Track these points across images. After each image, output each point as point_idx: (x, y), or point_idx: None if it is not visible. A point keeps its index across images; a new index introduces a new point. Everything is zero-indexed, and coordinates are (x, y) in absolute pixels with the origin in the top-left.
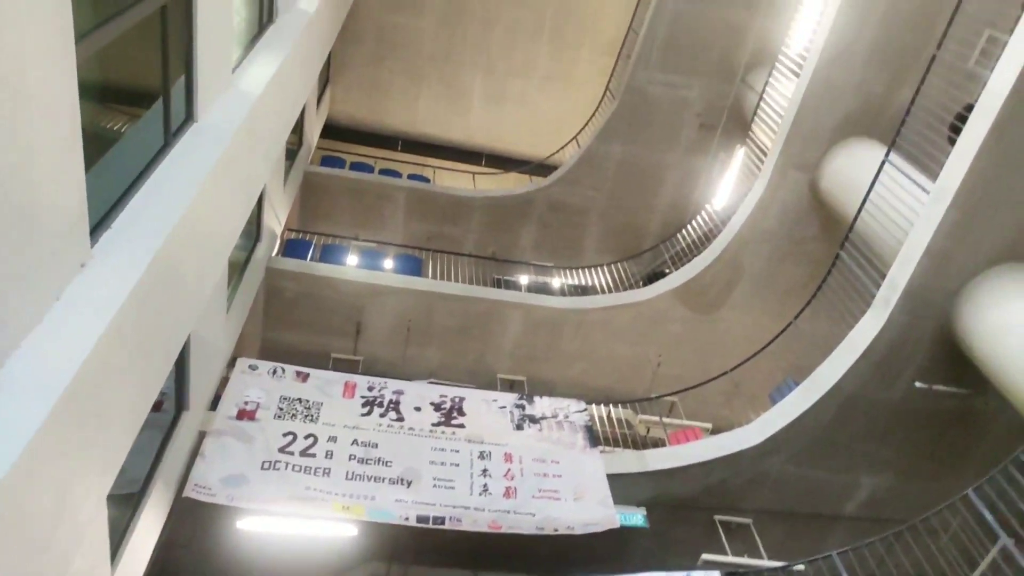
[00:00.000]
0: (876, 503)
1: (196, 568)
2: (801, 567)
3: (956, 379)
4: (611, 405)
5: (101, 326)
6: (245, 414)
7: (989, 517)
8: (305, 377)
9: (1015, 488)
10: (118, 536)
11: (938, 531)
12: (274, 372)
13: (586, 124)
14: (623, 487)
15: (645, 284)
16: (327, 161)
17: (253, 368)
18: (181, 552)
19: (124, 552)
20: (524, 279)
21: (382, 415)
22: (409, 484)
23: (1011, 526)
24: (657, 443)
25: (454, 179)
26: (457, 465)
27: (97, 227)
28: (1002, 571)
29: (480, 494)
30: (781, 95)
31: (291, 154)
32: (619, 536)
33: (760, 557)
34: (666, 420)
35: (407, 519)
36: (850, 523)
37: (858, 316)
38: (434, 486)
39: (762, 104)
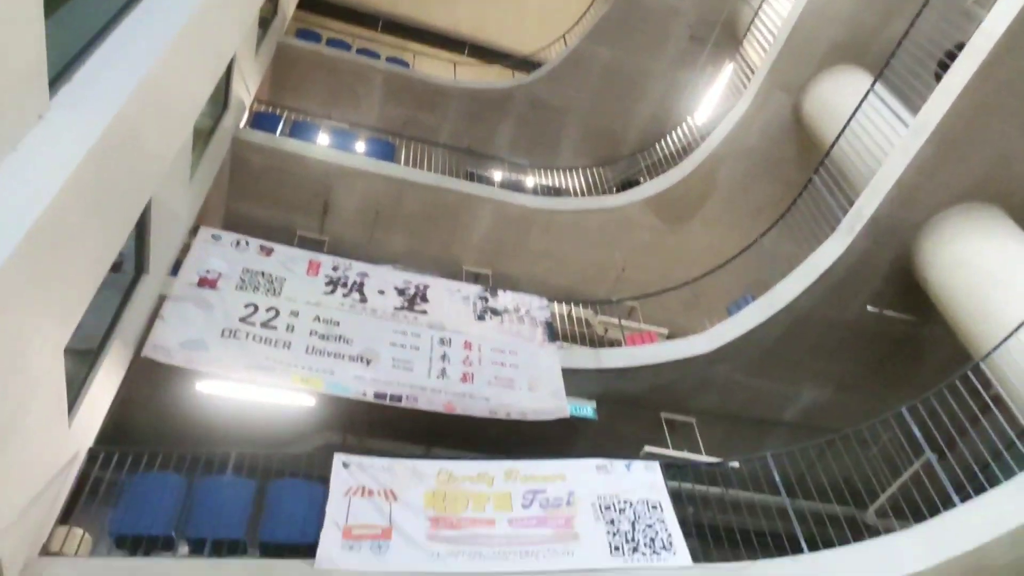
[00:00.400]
0: (814, 412)
1: (154, 426)
2: (736, 464)
3: (907, 307)
4: (572, 304)
5: (59, 179)
6: (206, 282)
7: (918, 433)
8: (269, 252)
9: (945, 410)
10: (75, 389)
11: (869, 442)
12: (237, 244)
13: (576, 23)
14: (576, 381)
15: (618, 191)
16: (302, 34)
17: (216, 238)
18: (139, 410)
19: (81, 405)
20: (498, 175)
21: (345, 295)
22: (368, 363)
23: (937, 444)
24: (613, 343)
25: (434, 66)
26: (417, 348)
27: (56, 79)
28: (922, 483)
29: (438, 377)
30: (776, 14)
31: (264, 23)
32: (568, 425)
33: (699, 453)
34: (624, 322)
35: (365, 394)
36: (787, 428)
37: (822, 240)
38: (393, 366)
39: (756, 21)
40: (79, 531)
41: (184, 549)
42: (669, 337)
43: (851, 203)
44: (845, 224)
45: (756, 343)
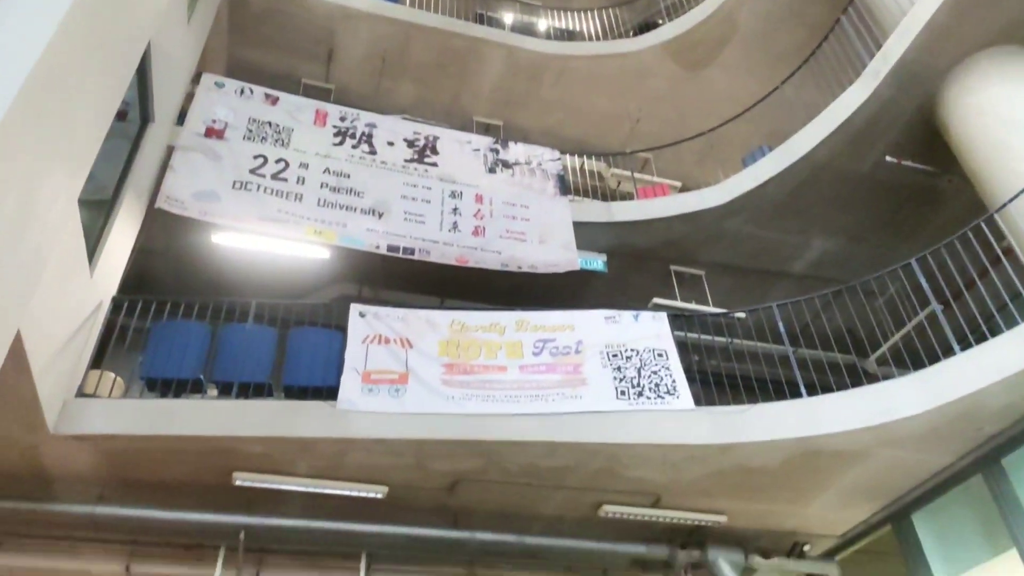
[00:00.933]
0: (823, 264)
1: (174, 276)
2: (742, 315)
3: (926, 158)
4: (585, 157)
5: (53, 21)
6: (213, 132)
7: (925, 285)
8: (274, 100)
9: (955, 262)
10: (94, 240)
11: (875, 293)
12: (241, 92)
13: None
14: (587, 234)
15: (636, 34)
16: None
17: (219, 85)
18: (159, 260)
19: (101, 255)
20: (508, 17)
21: (354, 146)
22: (380, 216)
23: (943, 295)
24: (626, 196)
25: None
26: (428, 202)
27: None
28: (925, 333)
29: (449, 230)
30: None
31: None
32: (579, 277)
33: (707, 305)
34: (637, 175)
35: (378, 247)
36: (795, 280)
37: (845, 86)
38: (405, 219)
39: None
40: (111, 375)
41: (213, 392)
42: (682, 190)
43: (878, 47)
44: (870, 69)
45: (770, 195)
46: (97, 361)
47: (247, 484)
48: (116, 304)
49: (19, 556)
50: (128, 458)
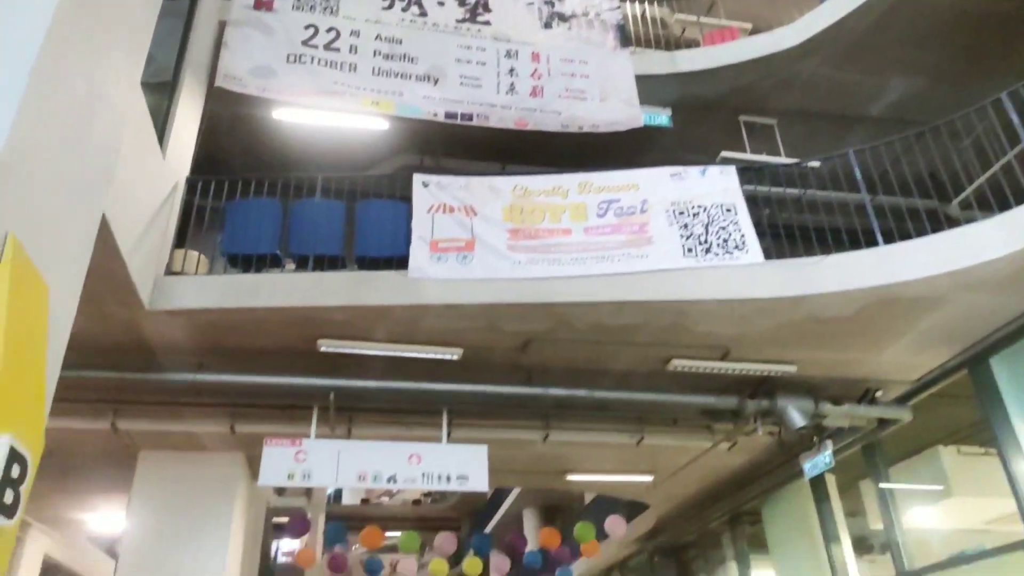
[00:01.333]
0: (903, 106)
1: (240, 153)
2: (816, 164)
3: None
4: (647, 2)
5: None
6: (262, 4)
7: (1016, 120)
8: None
9: None
10: (161, 122)
11: (960, 134)
12: None
13: None
14: (650, 88)
15: None
16: None
17: None
18: (225, 139)
19: (170, 137)
20: None
21: (404, 9)
22: (436, 81)
23: None
24: (691, 44)
25: None
26: (483, 64)
27: None
28: (1014, 173)
29: (507, 93)
30: None
31: None
32: (642, 134)
33: (779, 155)
34: (703, 19)
35: (436, 115)
36: (873, 124)
37: None
38: (461, 84)
39: None
40: (195, 253)
41: (291, 265)
42: (752, 32)
43: None
44: None
45: (847, 32)
46: (179, 241)
47: (331, 350)
48: (190, 185)
49: (135, 421)
50: (220, 329)
